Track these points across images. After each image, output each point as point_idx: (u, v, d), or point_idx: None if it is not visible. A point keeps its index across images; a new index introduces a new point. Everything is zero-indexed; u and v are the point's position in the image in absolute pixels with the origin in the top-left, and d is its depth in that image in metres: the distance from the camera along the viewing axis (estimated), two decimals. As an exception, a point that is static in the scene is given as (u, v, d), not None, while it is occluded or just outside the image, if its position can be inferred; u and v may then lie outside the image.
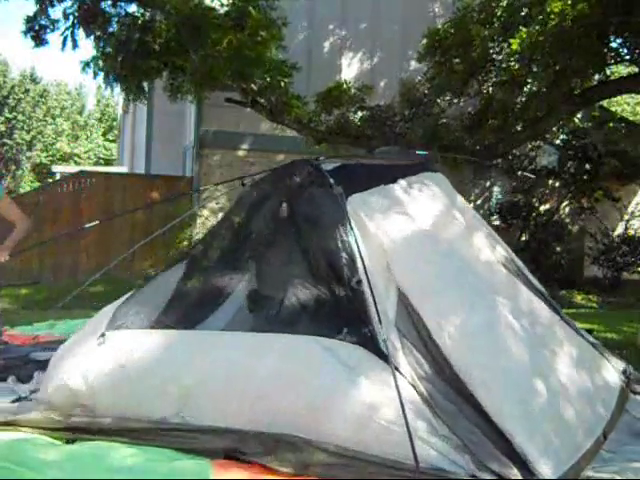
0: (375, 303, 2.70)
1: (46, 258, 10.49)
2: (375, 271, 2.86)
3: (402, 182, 3.38)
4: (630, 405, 3.39)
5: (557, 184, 12.08)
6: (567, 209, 12.36)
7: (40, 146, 29.81)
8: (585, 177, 11.32)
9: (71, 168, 21.66)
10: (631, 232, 11.81)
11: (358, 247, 2.83)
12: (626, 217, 12.21)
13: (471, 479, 2.44)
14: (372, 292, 2.71)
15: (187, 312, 3.24)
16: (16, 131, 28.12)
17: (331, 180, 3.02)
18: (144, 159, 15.21)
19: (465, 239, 3.43)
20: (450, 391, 2.65)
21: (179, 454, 2.70)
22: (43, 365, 4.01)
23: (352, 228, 2.88)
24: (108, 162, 30.37)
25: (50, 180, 21.68)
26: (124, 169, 19.53)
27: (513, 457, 2.48)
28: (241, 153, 11.48)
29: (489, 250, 3.54)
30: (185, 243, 11.03)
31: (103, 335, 3.06)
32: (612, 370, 3.60)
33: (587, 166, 11.25)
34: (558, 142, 11.65)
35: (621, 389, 3.48)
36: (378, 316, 2.67)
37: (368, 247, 2.92)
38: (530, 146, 11.30)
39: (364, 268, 2.76)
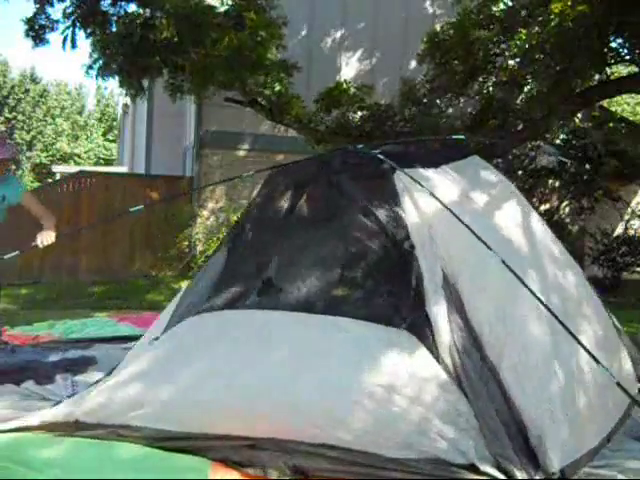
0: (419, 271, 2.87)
1: (46, 258, 10.49)
2: (426, 239, 2.98)
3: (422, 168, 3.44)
4: (635, 410, 3.35)
5: (557, 184, 12.09)
6: (567, 209, 12.36)
7: (40, 146, 29.83)
8: (585, 177, 11.32)
9: (71, 168, 21.66)
10: (631, 232, 11.80)
11: (408, 217, 3.01)
12: (626, 217, 12.20)
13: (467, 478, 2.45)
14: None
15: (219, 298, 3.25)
16: (16, 131, 28.14)
17: (380, 156, 3.20)
18: (144, 159, 15.20)
19: (486, 220, 3.42)
20: (478, 367, 2.71)
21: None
22: (58, 366, 4.03)
23: (401, 201, 3.05)
24: (108, 162, 30.37)
25: (50, 180, 21.69)
26: (124, 169, 19.53)
27: (524, 448, 2.51)
28: (241, 153, 11.49)
29: (514, 230, 3.50)
30: (185, 243, 11.05)
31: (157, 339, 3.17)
32: (630, 365, 3.56)
33: (587, 166, 11.25)
34: (558, 142, 11.65)
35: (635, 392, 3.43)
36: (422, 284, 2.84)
37: (416, 219, 3.04)
38: (530, 146, 11.31)
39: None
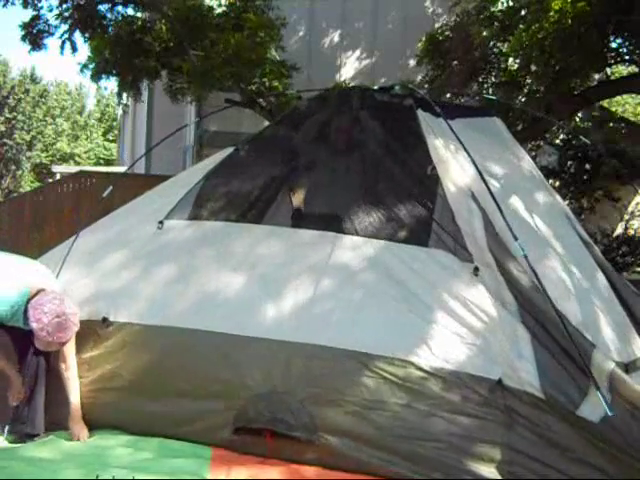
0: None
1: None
2: (449, 162, 3.13)
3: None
4: None
5: (557, 184, 12.07)
6: (567, 209, 12.32)
7: (40, 146, 29.80)
8: (585, 177, 11.31)
9: (71, 168, 21.65)
10: (631, 232, 11.78)
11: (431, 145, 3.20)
12: (626, 217, 12.18)
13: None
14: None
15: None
16: (16, 131, 28.09)
17: (402, 94, 3.58)
18: (144, 159, 15.19)
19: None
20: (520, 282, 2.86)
21: (177, 450, 2.71)
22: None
23: (423, 132, 3.22)
24: (108, 162, 30.38)
25: (50, 180, 21.68)
26: (124, 169, 19.50)
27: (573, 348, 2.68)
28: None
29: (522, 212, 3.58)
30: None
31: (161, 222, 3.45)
32: None
33: (587, 166, 11.24)
34: (558, 142, 11.64)
35: None
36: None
37: (437, 148, 3.20)
38: (530, 146, 11.28)
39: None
